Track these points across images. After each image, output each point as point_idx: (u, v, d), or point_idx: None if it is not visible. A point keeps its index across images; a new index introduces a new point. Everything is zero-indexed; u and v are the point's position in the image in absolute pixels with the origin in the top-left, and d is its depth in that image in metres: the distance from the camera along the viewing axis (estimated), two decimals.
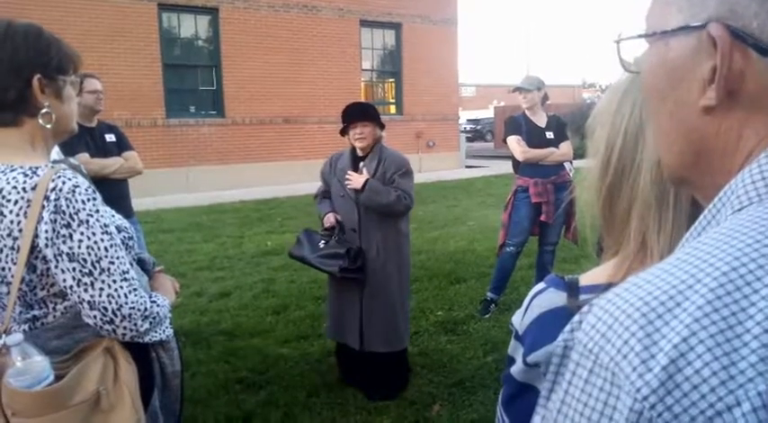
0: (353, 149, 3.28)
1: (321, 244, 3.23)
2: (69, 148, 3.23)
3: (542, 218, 4.37)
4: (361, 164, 3.23)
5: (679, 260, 0.43)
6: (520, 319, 0.85)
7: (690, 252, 0.43)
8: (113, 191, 3.36)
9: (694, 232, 0.50)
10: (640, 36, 0.55)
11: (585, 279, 0.82)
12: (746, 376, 0.36)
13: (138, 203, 4.11)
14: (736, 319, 0.37)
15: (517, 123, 4.48)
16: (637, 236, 0.76)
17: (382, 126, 3.25)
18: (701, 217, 0.50)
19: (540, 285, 0.85)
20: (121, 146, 3.77)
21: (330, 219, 3.24)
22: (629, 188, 0.77)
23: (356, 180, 3.14)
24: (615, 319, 0.41)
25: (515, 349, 0.85)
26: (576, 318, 0.44)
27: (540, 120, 4.50)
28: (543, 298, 0.83)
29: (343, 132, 3.27)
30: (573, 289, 0.80)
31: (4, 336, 1.19)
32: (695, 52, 0.49)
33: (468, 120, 29.60)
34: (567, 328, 0.44)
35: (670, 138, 0.54)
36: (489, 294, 4.56)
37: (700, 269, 0.40)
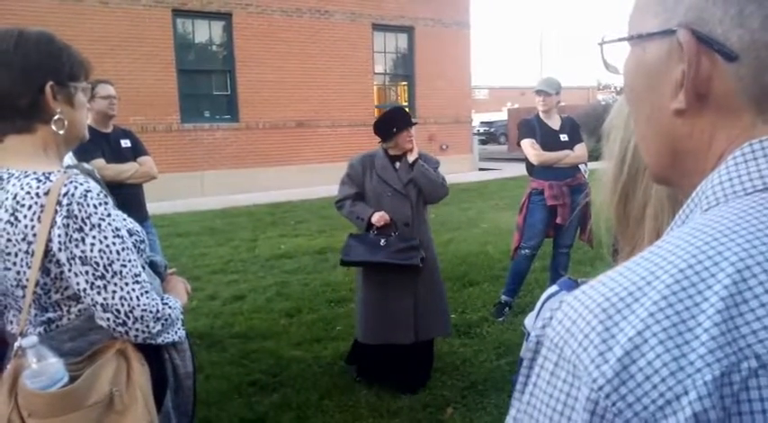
0: (386, 150, 3.40)
1: (382, 242, 3.24)
2: (85, 154, 3.27)
3: (557, 220, 4.34)
4: (398, 163, 3.38)
5: (642, 258, 0.45)
6: (532, 322, 0.85)
7: (653, 250, 0.45)
8: (128, 196, 3.40)
9: (669, 232, 0.51)
10: (621, 39, 0.57)
11: None
12: (695, 367, 0.38)
13: (152, 207, 4.14)
14: (689, 313, 0.40)
15: (531, 126, 4.46)
16: (651, 236, 0.76)
17: None
18: (676, 217, 0.52)
19: (553, 288, 0.86)
20: (136, 151, 3.81)
21: (385, 216, 3.25)
22: (643, 188, 0.77)
23: (414, 152, 3.35)
24: (579, 314, 0.43)
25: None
26: (548, 314, 0.46)
27: (555, 122, 4.47)
28: (556, 301, 0.82)
29: (387, 137, 3.35)
30: None
31: (20, 338, 1.21)
32: (668, 56, 0.51)
33: (482, 122, 29.40)
34: (539, 323, 0.47)
35: (648, 139, 0.56)
36: (503, 297, 4.54)
37: (659, 266, 0.43)
